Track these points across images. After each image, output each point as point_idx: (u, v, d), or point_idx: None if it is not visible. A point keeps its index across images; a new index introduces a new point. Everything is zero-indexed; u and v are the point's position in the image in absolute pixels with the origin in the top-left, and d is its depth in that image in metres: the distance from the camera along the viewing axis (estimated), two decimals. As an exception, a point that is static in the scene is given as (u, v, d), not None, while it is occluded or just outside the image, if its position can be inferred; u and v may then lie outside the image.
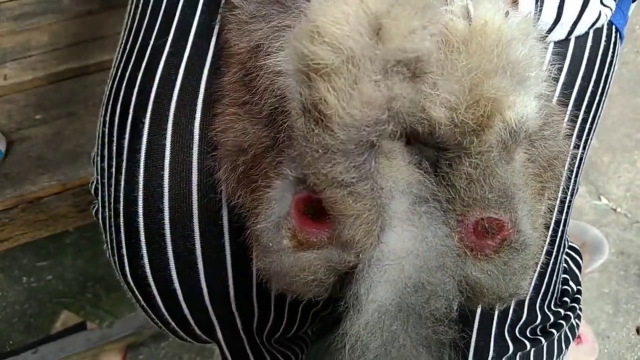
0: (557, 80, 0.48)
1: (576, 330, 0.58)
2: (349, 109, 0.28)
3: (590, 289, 1.07)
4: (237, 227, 0.42)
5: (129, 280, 0.48)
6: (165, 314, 0.49)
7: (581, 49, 0.49)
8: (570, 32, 0.47)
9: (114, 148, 0.48)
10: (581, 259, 0.69)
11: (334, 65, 0.27)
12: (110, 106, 0.50)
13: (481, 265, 0.33)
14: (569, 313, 0.57)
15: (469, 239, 0.33)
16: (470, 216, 0.32)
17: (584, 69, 0.49)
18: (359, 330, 0.31)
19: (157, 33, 0.48)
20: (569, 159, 0.47)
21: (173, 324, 0.50)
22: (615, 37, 0.52)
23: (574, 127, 0.50)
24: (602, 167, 1.26)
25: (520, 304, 0.52)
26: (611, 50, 0.51)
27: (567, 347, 0.56)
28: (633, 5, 0.55)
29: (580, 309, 0.59)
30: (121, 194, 0.46)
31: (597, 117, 0.53)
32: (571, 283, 0.61)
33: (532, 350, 0.52)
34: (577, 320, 0.57)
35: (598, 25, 0.48)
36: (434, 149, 0.33)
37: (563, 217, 0.53)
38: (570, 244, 0.68)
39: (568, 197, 0.52)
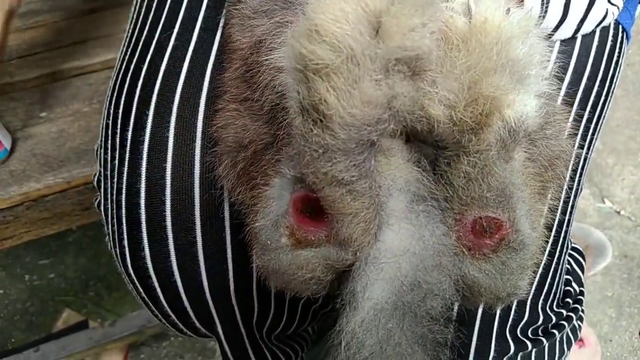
0: (562, 79, 0.48)
1: (578, 332, 0.57)
2: (350, 109, 0.28)
3: (593, 292, 1.06)
4: (238, 222, 0.42)
5: (130, 271, 0.48)
6: (165, 306, 0.49)
7: (587, 48, 0.48)
8: (577, 31, 0.46)
9: (117, 140, 0.48)
10: (584, 260, 0.69)
11: (334, 64, 0.27)
12: (114, 99, 0.50)
13: (479, 265, 0.33)
14: (571, 314, 0.56)
15: (466, 238, 0.33)
16: (468, 215, 0.32)
17: (589, 68, 0.49)
18: (354, 327, 0.31)
19: (163, 27, 0.48)
20: (572, 158, 0.47)
21: (173, 316, 0.50)
22: (622, 36, 0.51)
23: (579, 126, 0.50)
24: (606, 170, 1.25)
25: (522, 304, 0.52)
26: (617, 49, 0.51)
27: (569, 349, 0.56)
28: None
29: (582, 311, 0.58)
30: (124, 186, 0.46)
31: (602, 117, 0.53)
32: (574, 284, 0.61)
33: (534, 350, 0.52)
34: (579, 322, 0.57)
35: (605, 23, 0.48)
36: (433, 147, 0.33)
37: (566, 217, 0.52)
38: (573, 245, 0.68)
39: (571, 198, 0.52)
